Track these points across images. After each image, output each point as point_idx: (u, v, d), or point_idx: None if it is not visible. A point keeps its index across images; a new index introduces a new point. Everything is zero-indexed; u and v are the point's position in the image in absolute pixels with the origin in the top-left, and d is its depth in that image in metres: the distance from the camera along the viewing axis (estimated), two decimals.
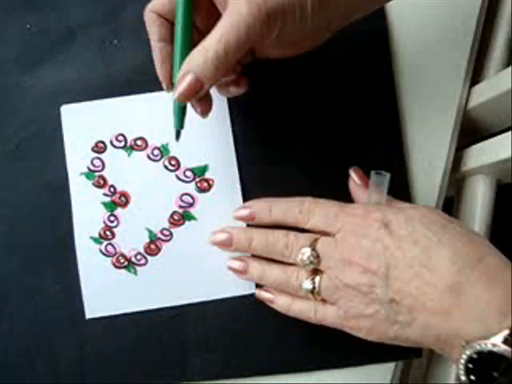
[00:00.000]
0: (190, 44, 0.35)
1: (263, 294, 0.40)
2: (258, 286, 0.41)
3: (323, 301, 0.37)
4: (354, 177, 0.41)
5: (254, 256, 0.41)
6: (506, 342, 0.29)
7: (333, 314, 0.37)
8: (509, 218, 0.51)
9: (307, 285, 0.37)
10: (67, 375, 0.41)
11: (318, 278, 0.37)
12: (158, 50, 0.38)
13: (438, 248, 0.33)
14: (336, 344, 0.42)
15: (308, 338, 0.42)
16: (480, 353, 0.30)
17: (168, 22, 0.37)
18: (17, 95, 0.44)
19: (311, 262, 0.36)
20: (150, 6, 0.37)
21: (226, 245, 0.40)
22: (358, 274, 0.35)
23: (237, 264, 0.40)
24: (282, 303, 0.39)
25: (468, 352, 0.30)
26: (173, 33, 0.36)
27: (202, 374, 0.41)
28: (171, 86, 0.37)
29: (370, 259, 0.34)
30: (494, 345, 0.29)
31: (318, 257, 0.36)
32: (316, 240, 0.37)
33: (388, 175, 0.39)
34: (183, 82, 0.34)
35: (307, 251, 0.37)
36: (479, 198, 0.47)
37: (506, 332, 0.29)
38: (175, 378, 0.41)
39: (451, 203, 0.50)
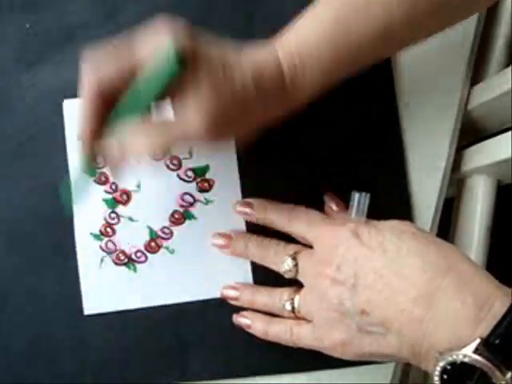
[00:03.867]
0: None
1: (240, 320, 0.41)
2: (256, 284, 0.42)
3: (305, 320, 0.38)
4: (330, 204, 0.41)
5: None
6: (477, 351, 0.29)
7: (307, 335, 0.37)
8: (509, 218, 0.52)
9: (287, 306, 0.38)
10: (67, 375, 0.41)
11: (297, 298, 0.38)
12: (88, 127, 0.34)
13: (408, 257, 0.33)
14: None
15: None
16: (453, 363, 0.29)
17: (107, 100, 0.34)
18: (16, 95, 0.44)
19: (290, 271, 0.38)
20: (95, 81, 0.33)
21: (225, 247, 0.42)
22: (328, 286, 0.35)
23: (230, 292, 0.42)
24: (258, 328, 0.40)
25: (441, 363, 0.30)
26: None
27: (201, 373, 0.42)
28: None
29: (340, 270, 0.35)
30: (465, 355, 0.29)
31: (296, 265, 0.38)
32: (299, 251, 0.38)
33: (368, 195, 0.39)
34: (113, 160, 0.34)
35: (288, 260, 0.38)
36: (479, 198, 0.47)
37: (477, 342, 0.29)
38: (175, 378, 0.41)
39: (451, 203, 0.50)
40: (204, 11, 0.44)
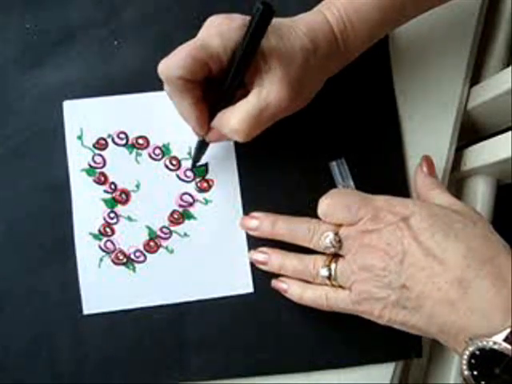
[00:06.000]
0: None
1: (278, 285, 0.41)
2: (255, 284, 0.42)
3: (339, 287, 0.38)
4: (423, 165, 0.41)
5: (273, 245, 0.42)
6: (507, 340, 0.30)
7: (345, 298, 0.38)
8: (509, 218, 0.51)
9: (324, 272, 0.38)
10: (67, 375, 0.41)
11: (333, 265, 0.38)
12: (195, 111, 0.38)
13: (454, 243, 0.34)
14: (336, 344, 0.42)
15: (308, 338, 0.42)
16: (482, 349, 0.31)
17: (197, 82, 0.37)
18: (17, 95, 0.44)
19: (333, 246, 0.38)
20: (175, 74, 0.36)
21: (252, 229, 0.42)
22: (377, 258, 0.35)
23: (259, 256, 0.42)
24: (294, 292, 0.40)
25: (471, 348, 0.31)
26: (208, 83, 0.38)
27: (201, 373, 0.41)
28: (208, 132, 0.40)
29: (390, 245, 0.35)
30: (495, 342, 0.30)
31: (339, 241, 0.37)
32: (338, 227, 0.38)
33: (343, 159, 0.43)
34: (214, 137, 0.40)
35: (330, 235, 0.38)
36: (479, 198, 0.47)
37: (508, 330, 0.30)
38: (175, 378, 0.41)
39: None
40: (204, 11, 0.44)
